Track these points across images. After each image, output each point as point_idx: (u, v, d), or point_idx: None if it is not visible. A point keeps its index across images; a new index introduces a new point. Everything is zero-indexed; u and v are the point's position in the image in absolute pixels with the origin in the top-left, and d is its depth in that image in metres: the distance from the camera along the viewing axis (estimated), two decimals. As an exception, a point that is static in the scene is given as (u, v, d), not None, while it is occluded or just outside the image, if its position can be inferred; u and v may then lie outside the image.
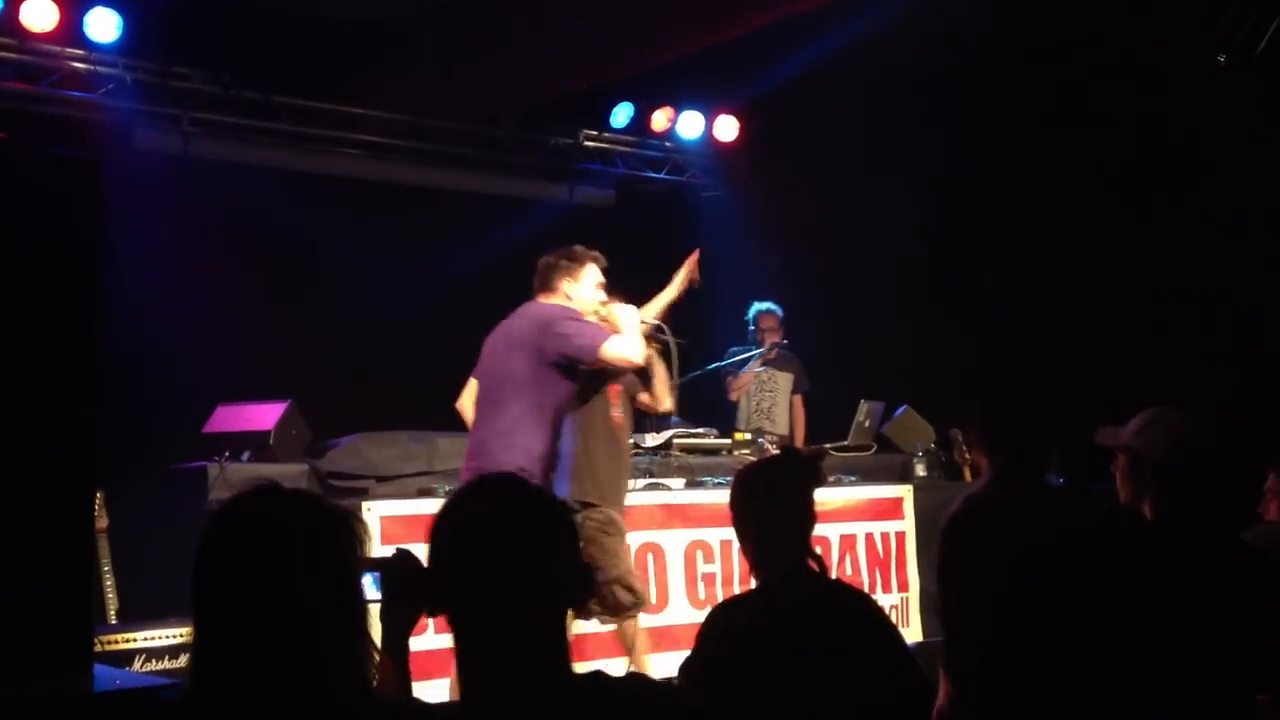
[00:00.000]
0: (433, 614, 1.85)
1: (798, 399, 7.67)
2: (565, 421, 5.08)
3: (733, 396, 7.61)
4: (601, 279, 5.00)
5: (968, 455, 7.40)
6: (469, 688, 1.79)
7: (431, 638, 4.31)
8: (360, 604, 2.05)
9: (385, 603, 2.29)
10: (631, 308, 4.99)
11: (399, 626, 2.31)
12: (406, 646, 2.32)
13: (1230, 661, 3.06)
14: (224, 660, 1.89)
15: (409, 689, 2.36)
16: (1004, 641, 3.16)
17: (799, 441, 7.26)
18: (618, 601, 5.09)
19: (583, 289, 4.96)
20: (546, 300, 4.97)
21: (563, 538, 1.85)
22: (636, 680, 1.87)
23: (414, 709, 2.13)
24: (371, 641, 1.99)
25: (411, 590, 2.32)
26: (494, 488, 1.90)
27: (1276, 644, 3.11)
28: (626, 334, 4.80)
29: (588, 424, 5.28)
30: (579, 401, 5.07)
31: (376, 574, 2.27)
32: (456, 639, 1.81)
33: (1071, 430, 3.44)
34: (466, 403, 5.18)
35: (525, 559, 1.79)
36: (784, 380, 7.63)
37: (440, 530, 1.85)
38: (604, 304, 4.97)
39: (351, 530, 2.01)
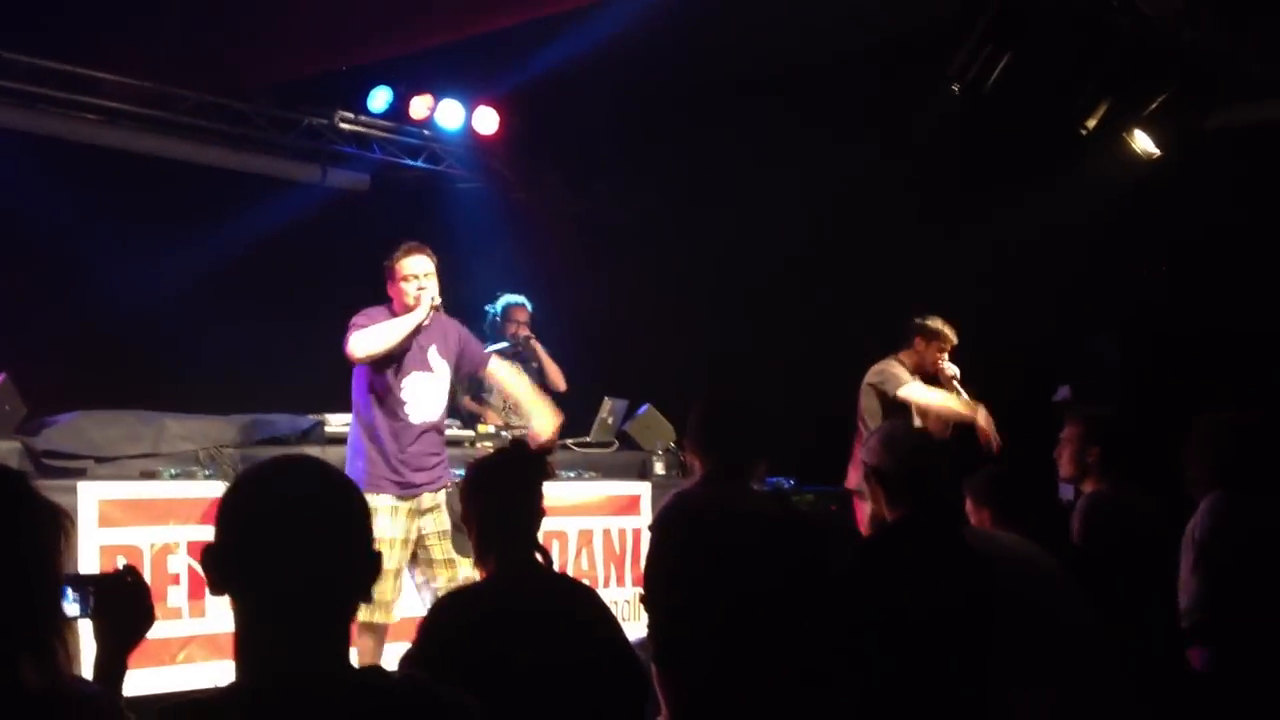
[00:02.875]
0: (216, 592, 1.75)
1: None
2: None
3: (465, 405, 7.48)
4: (412, 270, 5.17)
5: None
6: (240, 671, 1.72)
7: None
8: (55, 595, 1.98)
9: (99, 620, 2.20)
10: (428, 296, 5.16)
11: (115, 646, 2.22)
12: (122, 668, 2.23)
13: (956, 657, 3.22)
14: None
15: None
16: (709, 637, 3.25)
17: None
18: None
19: (395, 288, 5.20)
20: None
21: (353, 524, 1.79)
22: (411, 680, 1.82)
23: (108, 698, 2.05)
24: (65, 638, 1.92)
25: (129, 608, 2.23)
26: (288, 468, 1.83)
27: (1003, 641, 3.29)
28: (376, 328, 5.09)
29: None
30: None
31: (85, 590, 2.17)
32: (236, 620, 1.73)
33: (779, 438, 3.59)
34: None
35: (311, 543, 1.72)
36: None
37: (227, 507, 1.77)
38: (415, 295, 5.16)
39: (58, 522, 1.94)
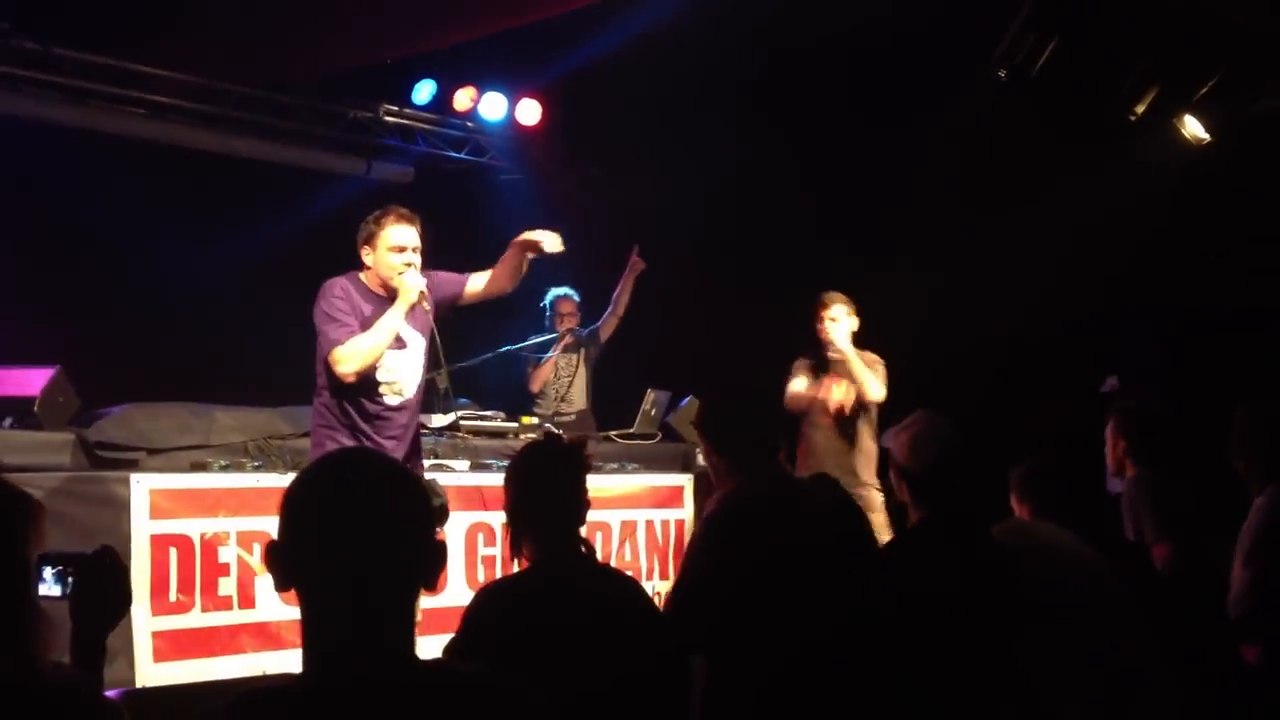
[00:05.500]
0: (281, 588, 1.76)
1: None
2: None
3: (534, 387, 7.64)
4: (399, 240, 4.67)
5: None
6: (308, 663, 1.74)
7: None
8: (23, 582, 1.98)
9: (76, 601, 2.21)
10: (415, 281, 4.66)
11: (93, 628, 2.23)
12: (101, 651, 2.23)
13: (977, 658, 3.21)
14: None
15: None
16: (762, 641, 3.23)
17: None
18: None
19: (379, 258, 4.69)
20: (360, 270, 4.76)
21: (415, 516, 1.80)
22: (481, 673, 1.82)
23: (87, 687, 2.06)
24: (38, 624, 1.92)
25: (109, 589, 2.24)
26: (352, 461, 1.85)
27: (1015, 639, 3.27)
28: (364, 339, 4.55)
29: (875, 415, 6.30)
30: None
31: (63, 571, 2.18)
32: (303, 613, 1.75)
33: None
34: None
35: (373, 537, 1.73)
36: (579, 364, 7.72)
37: (293, 501, 1.78)
38: (401, 272, 4.65)
39: (25, 509, 1.93)
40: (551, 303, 7.67)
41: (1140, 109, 6.87)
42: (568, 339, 7.59)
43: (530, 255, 5.02)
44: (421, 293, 4.66)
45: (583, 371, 7.77)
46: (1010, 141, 7.19)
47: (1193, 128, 6.97)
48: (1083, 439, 5.18)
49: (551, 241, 4.98)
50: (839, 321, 6.42)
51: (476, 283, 5.00)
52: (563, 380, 7.69)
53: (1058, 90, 6.83)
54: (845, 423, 6.34)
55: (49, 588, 2.15)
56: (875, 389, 6.31)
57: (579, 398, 7.72)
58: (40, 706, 1.89)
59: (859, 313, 6.50)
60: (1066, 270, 7.27)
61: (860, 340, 6.52)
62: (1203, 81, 6.79)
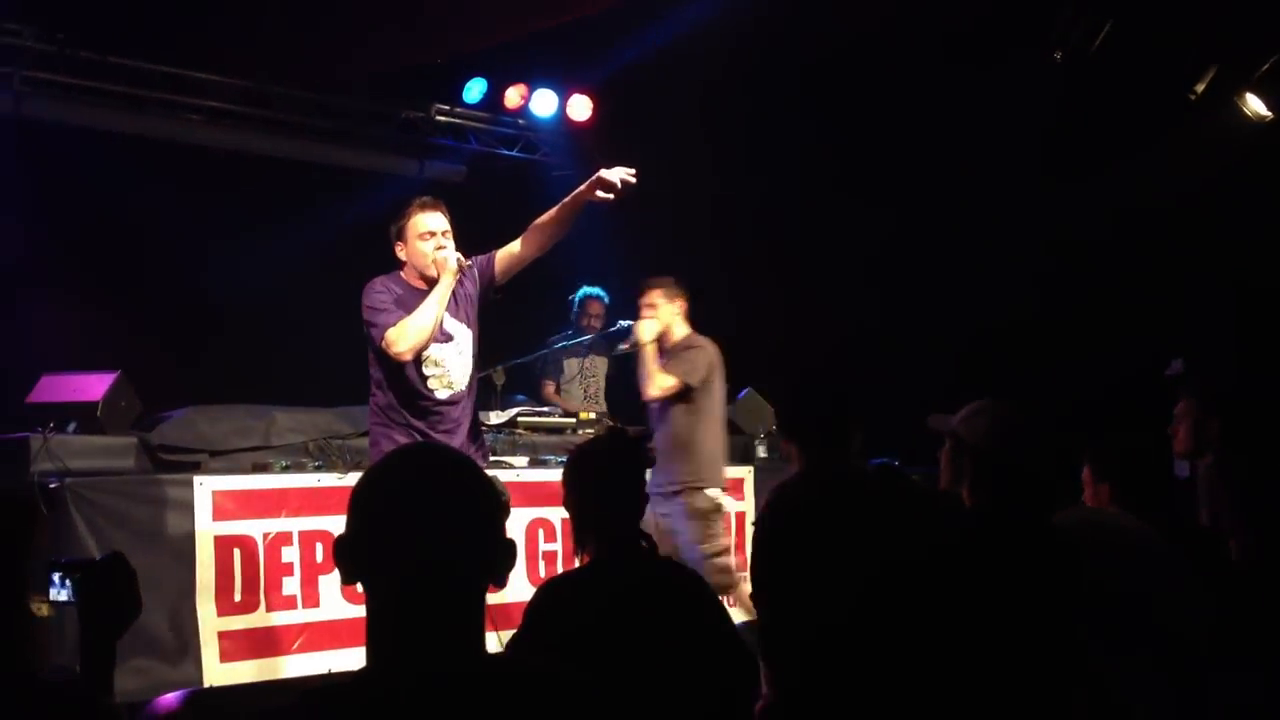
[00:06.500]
0: (348, 581, 1.76)
1: None
2: (669, 406, 5.69)
3: (548, 395, 7.52)
4: (428, 226, 4.65)
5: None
6: (375, 658, 1.73)
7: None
8: (19, 585, 2.00)
9: (83, 606, 2.22)
10: (452, 255, 4.60)
11: (100, 632, 2.24)
12: (110, 655, 2.24)
13: (1036, 652, 3.15)
14: None
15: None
16: (822, 636, 3.20)
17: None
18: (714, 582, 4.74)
19: (411, 249, 4.68)
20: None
21: (482, 511, 1.79)
22: (548, 667, 1.81)
23: (84, 689, 2.07)
24: (38, 627, 1.93)
25: (117, 595, 2.25)
26: (420, 456, 1.85)
27: (1082, 630, 3.21)
28: (413, 317, 4.51)
29: (705, 409, 5.78)
30: None
31: (71, 576, 2.20)
32: (369, 608, 1.74)
33: (868, 409, 3.50)
34: None
35: (439, 531, 1.73)
36: (602, 364, 7.65)
37: (361, 495, 1.77)
38: (434, 257, 4.62)
39: (22, 514, 1.95)
40: (580, 301, 7.59)
41: (1200, 88, 6.78)
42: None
43: (603, 195, 4.72)
44: (460, 260, 4.60)
45: (603, 372, 7.70)
46: (1070, 121, 7.10)
47: (1255, 105, 6.86)
48: (1149, 422, 5.08)
49: (623, 173, 4.68)
50: (657, 308, 6.04)
51: (512, 249, 4.80)
52: (590, 380, 7.64)
53: (1115, 71, 6.75)
54: (662, 414, 5.84)
55: (57, 592, 2.17)
56: (648, 388, 5.78)
57: (602, 397, 7.66)
58: (36, 709, 1.90)
59: (686, 295, 6.18)
60: (1124, 252, 7.16)
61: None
62: (1263, 58, 6.68)
